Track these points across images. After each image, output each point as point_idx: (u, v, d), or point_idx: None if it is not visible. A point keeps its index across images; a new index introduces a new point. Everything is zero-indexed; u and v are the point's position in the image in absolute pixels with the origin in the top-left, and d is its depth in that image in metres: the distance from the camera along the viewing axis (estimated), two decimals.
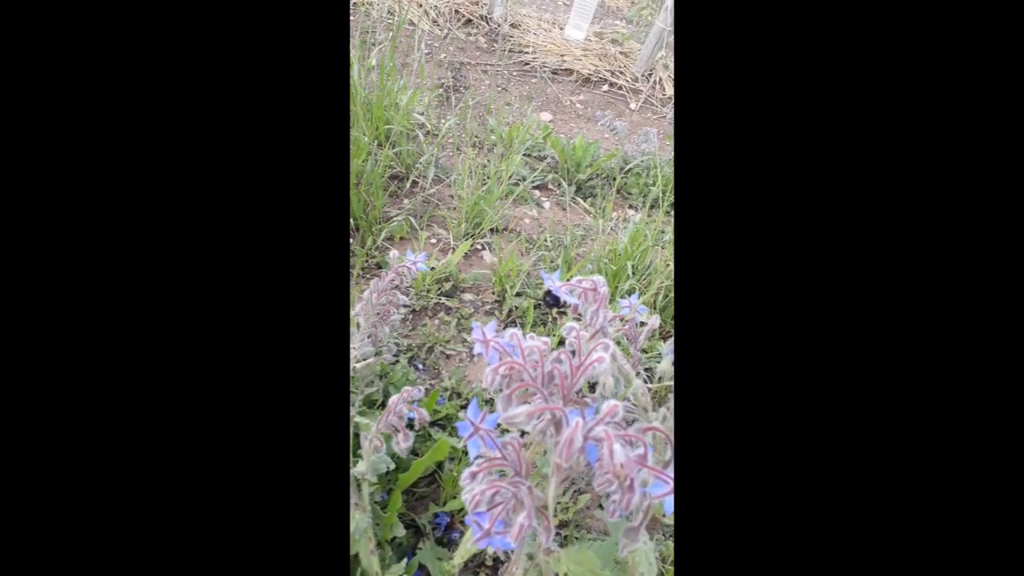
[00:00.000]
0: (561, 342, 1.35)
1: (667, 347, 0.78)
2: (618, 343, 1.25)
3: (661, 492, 0.39)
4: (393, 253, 0.90)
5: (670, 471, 0.39)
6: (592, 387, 0.78)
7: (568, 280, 1.29)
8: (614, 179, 1.89)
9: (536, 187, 1.83)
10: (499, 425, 0.50)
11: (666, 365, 0.65)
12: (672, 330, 1.54)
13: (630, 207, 1.87)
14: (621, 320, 0.86)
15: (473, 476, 0.46)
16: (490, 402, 1.28)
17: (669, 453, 0.49)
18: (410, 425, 0.72)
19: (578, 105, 2.58)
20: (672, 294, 1.41)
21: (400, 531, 0.82)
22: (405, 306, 1.34)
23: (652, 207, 1.72)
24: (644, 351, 1.38)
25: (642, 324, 0.89)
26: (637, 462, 0.39)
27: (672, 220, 1.55)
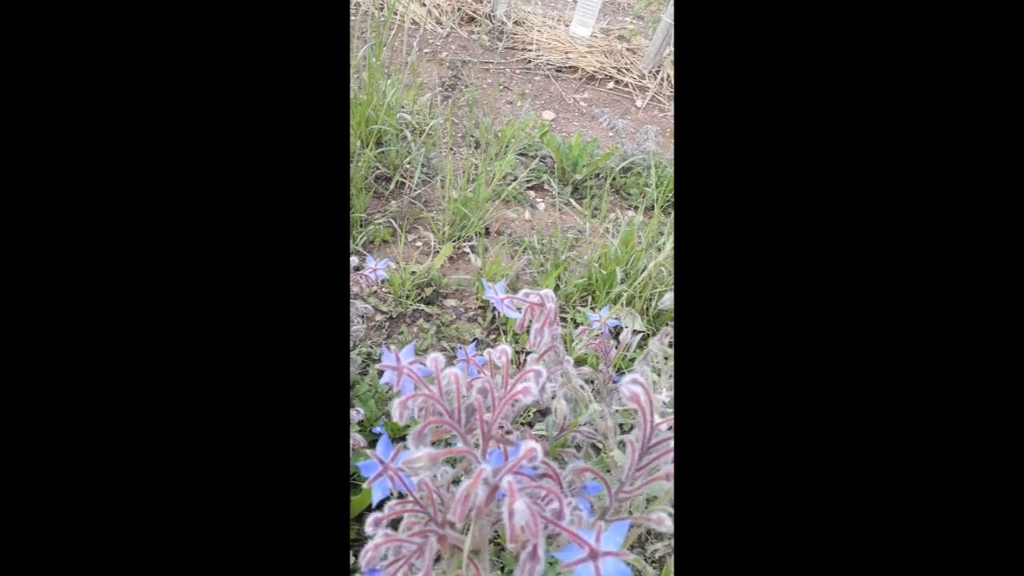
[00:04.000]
0: None
1: (637, 364, 0.71)
2: (586, 360, 1.17)
3: (573, 559, 0.32)
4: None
5: (590, 532, 0.33)
6: (545, 413, 0.71)
7: (547, 285, 1.20)
8: (614, 179, 1.82)
9: (531, 187, 1.77)
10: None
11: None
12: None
13: (631, 207, 1.79)
14: (591, 334, 0.79)
15: (377, 524, 0.40)
16: None
17: (607, 499, 0.43)
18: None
19: (582, 103, 2.50)
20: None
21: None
22: (383, 313, 1.28)
23: (648, 208, 1.64)
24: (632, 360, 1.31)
25: (615, 336, 0.82)
26: (550, 521, 0.32)
27: (668, 222, 1.47)
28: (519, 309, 0.53)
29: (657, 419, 0.40)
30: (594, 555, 0.32)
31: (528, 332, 0.52)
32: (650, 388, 0.61)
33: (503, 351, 0.45)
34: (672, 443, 0.40)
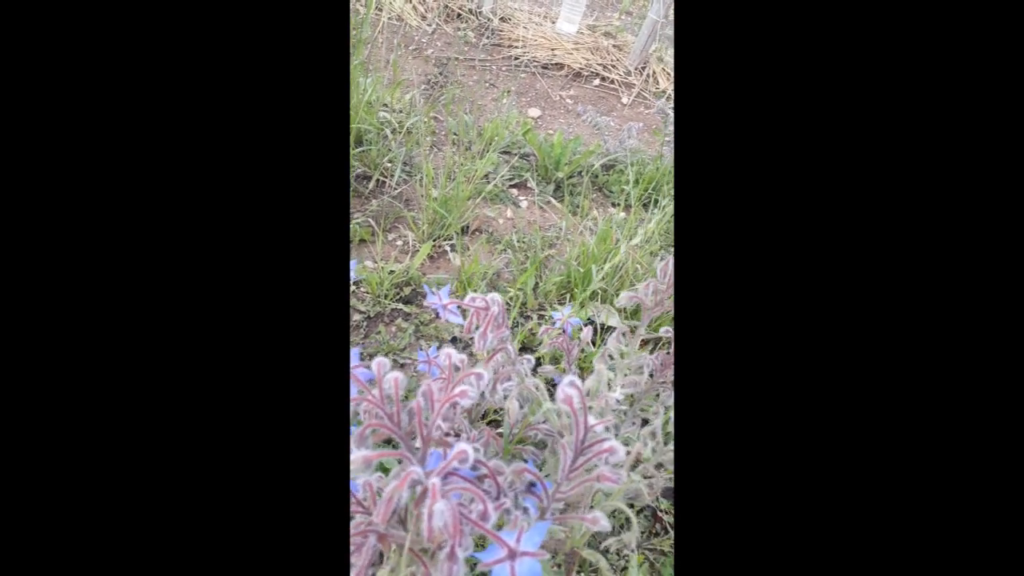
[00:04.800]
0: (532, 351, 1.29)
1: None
2: (555, 358, 1.18)
3: (492, 559, 0.33)
4: None
5: (511, 533, 0.34)
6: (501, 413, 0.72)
7: (524, 283, 1.21)
8: (595, 176, 1.83)
9: (513, 186, 1.77)
10: None
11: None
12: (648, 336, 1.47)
13: (613, 205, 1.80)
14: (554, 332, 0.80)
15: None
16: None
17: (546, 501, 0.44)
18: None
19: (568, 100, 2.51)
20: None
21: None
22: (360, 312, 1.29)
23: (628, 205, 1.65)
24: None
25: (578, 333, 0.83)
26: (472, 522, 0.33)
27: (647, 218, 1.48)
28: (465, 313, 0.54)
29: (592, 420, 0.41)
30: (512, 555, 0.33)
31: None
32: (603, 387, 0.62)
33: (448, 355, 0.46)
34: (607, 444, 0.41)
